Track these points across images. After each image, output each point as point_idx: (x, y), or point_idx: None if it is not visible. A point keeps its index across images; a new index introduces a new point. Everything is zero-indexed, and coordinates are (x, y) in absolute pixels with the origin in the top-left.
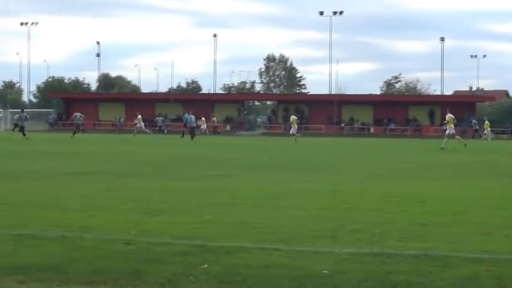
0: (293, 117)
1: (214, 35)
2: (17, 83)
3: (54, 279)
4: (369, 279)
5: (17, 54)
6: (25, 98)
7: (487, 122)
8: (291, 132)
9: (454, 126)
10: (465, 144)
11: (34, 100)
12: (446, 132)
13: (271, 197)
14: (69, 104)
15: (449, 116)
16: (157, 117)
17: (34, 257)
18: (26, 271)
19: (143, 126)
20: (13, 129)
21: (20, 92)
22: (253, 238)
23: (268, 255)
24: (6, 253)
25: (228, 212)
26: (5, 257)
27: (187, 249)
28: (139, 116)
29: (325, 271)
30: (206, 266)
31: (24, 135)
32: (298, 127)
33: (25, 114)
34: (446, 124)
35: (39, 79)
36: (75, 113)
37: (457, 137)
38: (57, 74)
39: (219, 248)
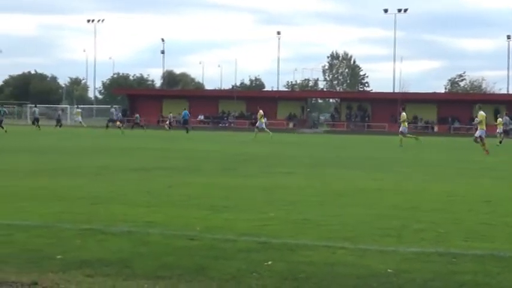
0: (260, 112)
1: (278, 33)
2: (83, 79)
3: (120, 273)
4: (434, 278)
5: (84, 51)
6: (91, 94)
7: None
8: (257, 125)
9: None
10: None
11: (99, 96)
12: (478, 135)
13: (335, 195)
14: (133, 100)
15: (481, 114)
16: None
17: (101, 252)
18: (93, 265)
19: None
20: None
21: (86, 88)
22: (317, 236)
23: (333, 253)
24: (74, 247)
25: (292, 210)
26: (73, 251)
27: (251, 246)
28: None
29: (390, 270)
30: (270, 263)
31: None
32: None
33: (4, 109)
34: (478, 124)
35: (105, 76)
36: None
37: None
38: (122, 70)
39: (283, 245)
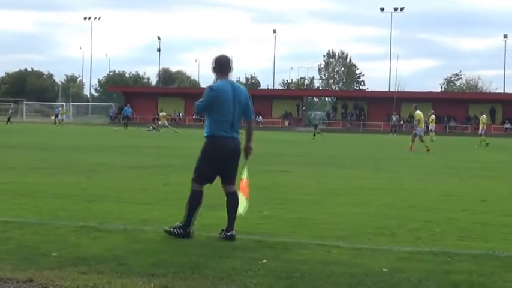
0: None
1: (274, 31)
2: (79, 77)
3: (115, 271)
4: (429, 278)
5: (80, 48)
6: (87, 91)
7: None
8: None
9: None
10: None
11: (95, 94)
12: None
13: (330, 194)
14: (129, 98)
15: (418, 113)
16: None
17: (96, 249)
18: (88, 262)
19: (166, 123)
20: None
21: (81, 86)
22: (312, 234)
23: (328, 251)
24: (69, 245)
25: (287, 208)
26: (68, 248)
27: (247, 244)
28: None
29: (384, 269)
30: (265, 261)
31: None
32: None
33: None
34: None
35: (101, 73)
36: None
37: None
38: (118, 68)
39: (278, 244)
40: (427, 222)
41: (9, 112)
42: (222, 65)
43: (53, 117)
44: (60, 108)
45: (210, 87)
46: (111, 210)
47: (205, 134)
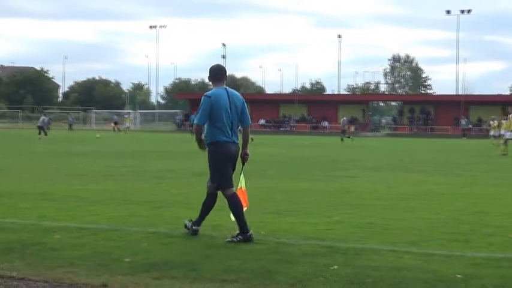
0: None
1: (339, 36)
2: (146, 84)
3: (187, 276)
4: (504, 284)
5: (146, 56)
6: (153, 99)
7: None
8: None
9: None
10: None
11: (162, 101)
12: (504, 135)
13: (400, 199)
14: (195, 105)
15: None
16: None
17: (167, 255)
18: (160, 268)
19: None
20: None
21: (148, 93)
22: (383, 240)
23: (399, 257)
24: (141, 250)
25: (357, 214)
26: (140, 254)
27: (317, 249)
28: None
29: (458, 275)
30: (336, 267)
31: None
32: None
33: (45, 117)
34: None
35: (167, 81)
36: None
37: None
38: (184, 75)
39: (349, 250)
40: (500, 227)
41: (70, 120)
42: (217, 73)
43: (112, 125)
44: (117, 116)
45: (206, 95)
46: (181, 216)
47: (207, 141)
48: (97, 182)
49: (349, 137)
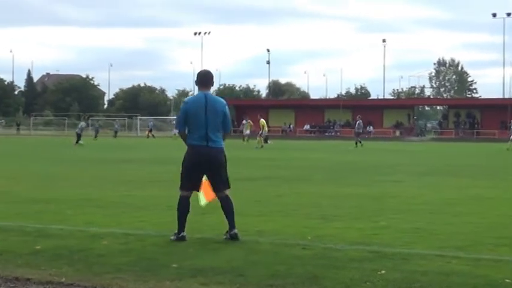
0: (262, 120)
1: (383, 40)
2: (190, 91)
3: (234, 282)
4: None
5: (191, 63)
6: None
7: None
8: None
9: None
10: None
11: None
12: None
13: (446, 203)
14: (240, 111)
15: None
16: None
17: (214, 260)
18: (207, 274)
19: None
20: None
21: None
22: (430, 245)
23: (447, 262)
24: (188, 256)
25: (403, 218)
26: (187, 259)
27: (363, 255)
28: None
29: (507, 280)
30: (383, 272)
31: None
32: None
33: (83, 123)
34: None
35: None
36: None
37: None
38: (228, 81)
39: (396, 255)
40: None
41: (116, 127)
42: (202, 79)
43: (146, 132)
44: (152, 122)
45: (183, 101)
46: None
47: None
48: (143, 188)
49: (360, 142)
